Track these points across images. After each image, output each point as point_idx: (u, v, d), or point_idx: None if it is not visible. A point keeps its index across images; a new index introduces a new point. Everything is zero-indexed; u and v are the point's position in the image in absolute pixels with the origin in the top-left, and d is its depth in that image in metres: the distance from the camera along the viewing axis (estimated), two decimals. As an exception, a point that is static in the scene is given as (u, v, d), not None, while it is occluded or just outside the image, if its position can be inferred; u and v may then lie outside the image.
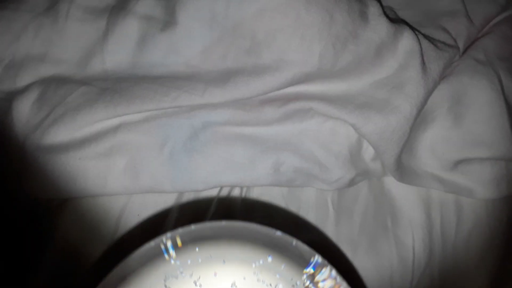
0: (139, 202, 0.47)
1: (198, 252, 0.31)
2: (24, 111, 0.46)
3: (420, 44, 0.46)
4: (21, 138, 0.45)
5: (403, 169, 0.48)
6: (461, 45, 0.50)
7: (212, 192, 0.49)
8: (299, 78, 0.46)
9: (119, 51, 0.48)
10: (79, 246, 0.45)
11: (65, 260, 0.44)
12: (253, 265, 0.30)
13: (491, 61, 0.49)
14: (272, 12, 0.43)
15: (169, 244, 0.31)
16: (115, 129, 0.46)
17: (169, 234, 0.31)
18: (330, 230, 0.47)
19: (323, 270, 0.30)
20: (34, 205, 0.46)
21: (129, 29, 0.47)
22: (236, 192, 0.49)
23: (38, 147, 0.45)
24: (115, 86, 0.47)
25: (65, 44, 0.48)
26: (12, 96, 0.47)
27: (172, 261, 0.30)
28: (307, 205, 0.49)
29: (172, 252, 0.31)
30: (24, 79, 0.48)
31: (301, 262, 0.31)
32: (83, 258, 0.45)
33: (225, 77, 0.46)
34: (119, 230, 0.46)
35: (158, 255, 0.31)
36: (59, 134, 0.45)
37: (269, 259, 0.31)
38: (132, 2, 0.48)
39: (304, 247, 0.31)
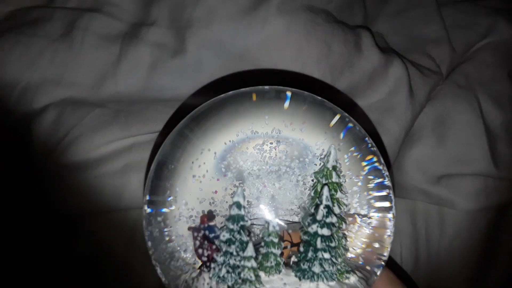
0: None
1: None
2: (42, 132, 0.49)
3: (408, 71, 0.50)
4: (40, 158, 0.48)
5: (393, 183, 0.53)
6: (444, 71, 0.54)
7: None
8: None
9: (131, 76, 0.51)
10: (97, 257, 0.48)
11: (84, 271, 0.48)
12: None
13: (472, 85, 0.54)
14: (275, 43, 0.47)
15: None
16: (129, 149, 0.49)
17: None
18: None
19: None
20: (53, 219, 0.50)
21: (141, 55, 0.50)
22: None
23: (57, 166, 0.48)
24: (128, 108, 0.50)
25: (80, 68, 0.51)
26: (30, 117, 0.50)
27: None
28: None
29: None
30: (40, 101, 0.50)
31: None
32: (100, 268, 0.48)
33: None
34: (133, 241, 0.49)
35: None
36: (77, 154, 0.48)
37: None
38: (144, 30, 0.51)
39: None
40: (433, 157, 0.52)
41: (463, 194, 0.52)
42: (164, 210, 0.34)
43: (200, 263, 0.34)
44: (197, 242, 0.33)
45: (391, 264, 0.51)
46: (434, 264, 0.52)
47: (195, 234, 0.34)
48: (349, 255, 0.34)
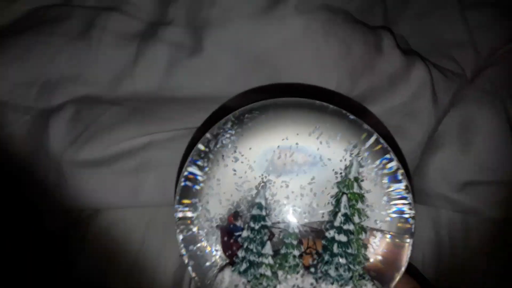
0: (167, 214, 0.50)
1: None
2: (60, 129, 0.49)
3: (431, 74, 0.49)
4: (57, 154, 0.48)
5: (414, 190, 0.51)
6: (468, 74, 0.53)
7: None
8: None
9: (148, 74, 0.51)
10: (109, 255, 0.48)
11: (95, 268, 0.47)
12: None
13: (497, 90, 0.51)
14: (293, 44, 0.47)
15: None
16: (145, 147, 0.49)
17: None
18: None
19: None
20: (65, 217, 0.50)
21: (158, 54, 0.50)
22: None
23: (73, 162, 0.48)
24: (144, 107, 0.50)
25: (98, 67, 0.51)
26: (47, 114, 0.50)
27: None
28: None
29: None
30: (58, 98, 0.51)
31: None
32: (112, 266, 0.48)
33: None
34: (146, 239, 0.49)
35: None
36: (93, 151, 0.48)
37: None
38: (161, 29, 0.51)
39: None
40: (457, 164, 0.50)
41: (488, 202, 0.50)
42: (194, 212, 0.37)
43: (226, 260, 0.37)
44: (224, 240, 0.36)
45: (409, 269, 0.49)
46: (457, 273, 0.50)
47: (222, 232, 0.36)
48: (368, 264, 0.35)
